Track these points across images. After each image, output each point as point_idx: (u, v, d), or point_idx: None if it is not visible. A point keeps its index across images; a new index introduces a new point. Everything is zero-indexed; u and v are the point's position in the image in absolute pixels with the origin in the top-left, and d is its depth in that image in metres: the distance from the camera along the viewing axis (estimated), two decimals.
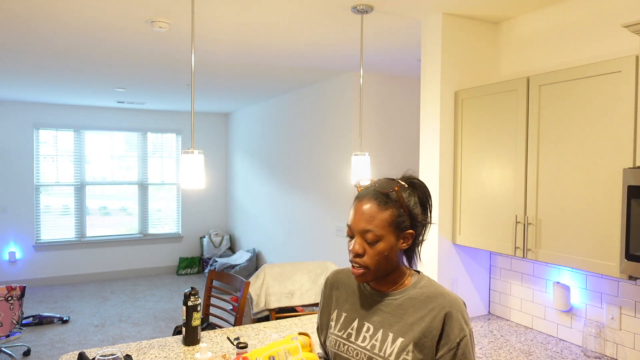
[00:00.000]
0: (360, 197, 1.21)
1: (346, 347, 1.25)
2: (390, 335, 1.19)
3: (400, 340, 1.17)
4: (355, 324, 1.26)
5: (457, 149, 2.58)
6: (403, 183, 1.22)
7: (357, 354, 1.22)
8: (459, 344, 1.13)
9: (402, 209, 1.18)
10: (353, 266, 1.20)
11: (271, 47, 3.38)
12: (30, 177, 6.56)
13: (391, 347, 1.17)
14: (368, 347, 1.21)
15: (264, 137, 6.32)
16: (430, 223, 1.26)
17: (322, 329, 1.38)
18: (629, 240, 1.71)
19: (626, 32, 2.06)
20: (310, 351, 1.30)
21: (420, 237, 1.24)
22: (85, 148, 6.91)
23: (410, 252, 1.25)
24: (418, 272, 1.28)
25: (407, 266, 1.27)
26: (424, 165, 2.67)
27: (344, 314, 1.30)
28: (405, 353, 1.15)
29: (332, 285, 1.38)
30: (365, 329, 1.23)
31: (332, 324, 1.32)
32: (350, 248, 1.19)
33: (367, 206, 1.18)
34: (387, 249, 1.17)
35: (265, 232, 6.35)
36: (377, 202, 1.17)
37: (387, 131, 4.37)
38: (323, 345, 1.41)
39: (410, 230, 1.20)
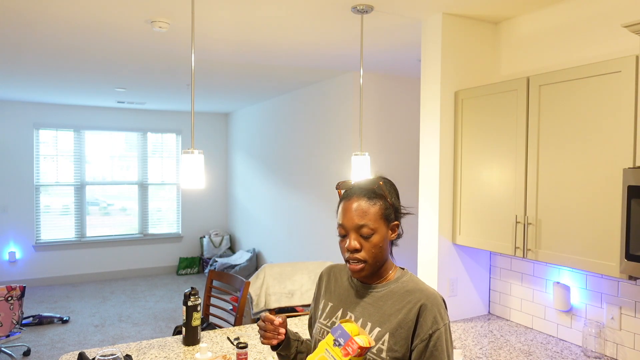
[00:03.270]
0: (348, 197, 1.27)
1: None
2: (369, 324, 1.24)
3: (377, 329, 1.23)
4: (339, 313, 1.32)
5: (457, 149, 2.58)
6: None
7: None
8: (430, 336, 1.18)
9: (387, 201, 1.26)
10: (351, 263, 1.24)
11: (271, 47, 3.38)
12: (30, 177, 6.56)
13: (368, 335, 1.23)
14: None
15: (264, 137, 6.32)
16: (407, 214, 1.35)
17: (315, 319, 1.43)
18: (629, 240, 1.71)
19: (626, 32, 2.06)
20: None
21: (400, 230, 1.32)
22: (85, 148, 6.91)
23: (391, 246, 1.33)
24: (403, 268, 1.34)
25: (392, 262, 1.35)
26: (424, 165, 2.67)
27: (330, 304, 1.37)
28: (380, 342, 1.20)
29: (325, 277, 1.45)
30: (348, 318, 1.29)
31: (319, 312, 1.39)
32: (347, 246, 1.24)
33: (357, 203, 1.24)
34: (381, 241, 1.24)
35: (265, 232, 6.35)
36: (366, 198, 1.24)
37: (387, 131, 4.37)
38: (311, 336, 1.45)
39: (396, 222, 1.29)
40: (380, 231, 1.23)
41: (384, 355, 1.20)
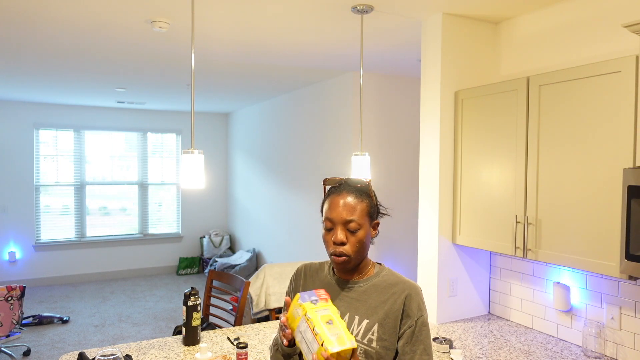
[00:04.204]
0: (338, 191, 1.31)
1: None
2: (357, 318, 1.29)
3: (365, 321, 1.27)
4: None
5: (457, 149, 2.58)
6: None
7: None
8: (416, 321, 1.27)
9: (372, 200, 1.33)
10: (335, 255, 1.28)
11: (271, 47, 3.38)
12: (30, 177, 6.56)
13: (357, 328, 1.28)
14: None
15: (264, 137, 6.32)
16: (386, 215, 1.40)
17: None
18: (629, 240, 1.71)
19: (626, 32, 2.06)
20: None
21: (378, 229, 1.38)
22: (85, 148, 6.91)
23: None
24: (380, 264, 1.39)
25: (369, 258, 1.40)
26: (424, 165, 2.67)
27: None
28: (370, 333, 1.26)
29: (301, 275, 1.46)
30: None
31: None
32: (333, 238, 1.28)
33: (347, 199, 1.28)
34: (364, 237, 1.29)
35: (265, 232, 6.35)
36: (355, 195, 1.29)
37: (387, 131, 4.37)
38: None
39: (377, 221, 1.35)
40: (365, 227, 1.28)
41: (374, 345, 1.24)
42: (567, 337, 2.33)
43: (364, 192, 1.31)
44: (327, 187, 1.38)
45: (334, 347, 1.09)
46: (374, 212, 1.32)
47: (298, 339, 1.19)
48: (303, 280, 1.44)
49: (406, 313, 1.26)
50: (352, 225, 1.26)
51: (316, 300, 1.19)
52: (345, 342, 1.10)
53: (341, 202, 1.28)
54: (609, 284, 2.15)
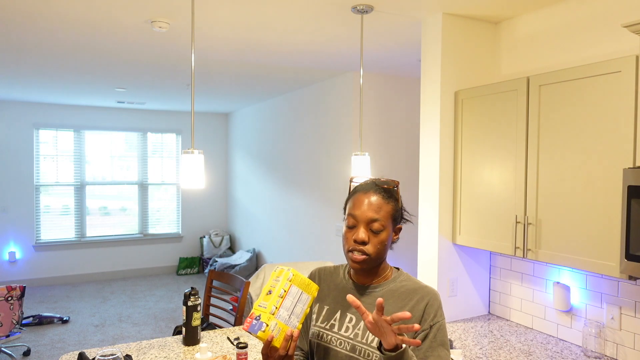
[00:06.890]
0: (364, 190, 1.28)
1: (329, 337, 1.30)
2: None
3: None
4: (337, 315, 1.32)
5: (457, 149, 2.58)
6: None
7: (340, 343, 1.27)
8: (431, 327, 1.23)
9: (398, 204, 1.30)
10: (354, 253, 1.25)
11: (271, 47, 3.38)
12: (30, 177, 6.56)
13: (372, 335, 1.24)
14: (351, 335, 1.27)
15: (264, 137, 6.32)
16: (408, 221, 1.37)
17: (306, 322, 1.42)
18: (629, 240, 1.71)
19: (626, 32, 2.06)
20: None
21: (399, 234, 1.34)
22: (85, 148, 6.91)
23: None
24: (397, 268, 1.36)
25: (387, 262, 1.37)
26: (424, 166, 2.67)
27: (326, 307, 1.36)
28: None
29: (315, 279, 1.44)
30: (347, 319, 1.29)
31: (314, 316, 1.37)
32: (354, 236, 1.24)
33: (373, 198, 1.26)
34: (387, 239, 1.26)
35: (265, 232, 6.35)
36: (382, 195, 1.27)
37: (387, 131, 4.37)
38: (303, 339, 1.43)
39: (400, 225, 1.31)
40: (388, 230, 1.26)
41: None
42: (567, 337, 2.33)
43: (392, 194, 1.28)
44: (353, 184, 1.35)
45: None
46: (398, 216, 1.29)
47: (283, 320, 1.18)
48: (318, 284, 1.40)
49: (424, 319, 1.23)
50: (376, 225, 1.23)
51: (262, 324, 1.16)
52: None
53: (367, 200, 1.25)
54: (609, 284, 2.15)
